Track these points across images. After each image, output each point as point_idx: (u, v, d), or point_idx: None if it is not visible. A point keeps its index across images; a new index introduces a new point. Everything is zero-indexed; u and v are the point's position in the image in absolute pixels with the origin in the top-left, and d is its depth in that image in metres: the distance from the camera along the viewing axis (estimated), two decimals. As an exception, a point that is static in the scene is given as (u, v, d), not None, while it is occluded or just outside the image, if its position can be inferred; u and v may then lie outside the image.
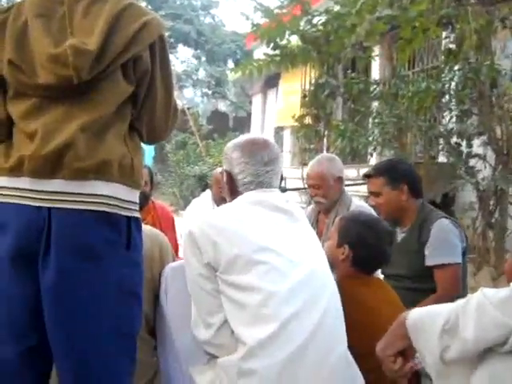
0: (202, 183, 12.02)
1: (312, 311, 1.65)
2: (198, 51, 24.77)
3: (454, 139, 5.68)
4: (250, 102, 16.87)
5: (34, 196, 1.52)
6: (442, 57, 6.08)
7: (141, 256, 1.64)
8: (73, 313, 1.52)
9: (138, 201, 1.65)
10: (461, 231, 2.62)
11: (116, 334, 1.56)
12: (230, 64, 24.54)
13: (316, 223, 3.24)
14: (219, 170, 4.31)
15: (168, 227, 3.88)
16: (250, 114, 16.72)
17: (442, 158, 6.27)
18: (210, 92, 23.53)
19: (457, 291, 2.45)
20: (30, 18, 1.58)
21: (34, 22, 1.57)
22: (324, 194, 3.07)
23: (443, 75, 5.75)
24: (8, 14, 1.62)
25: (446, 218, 2.62)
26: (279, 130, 13.01)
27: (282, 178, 1.96)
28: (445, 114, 5.91)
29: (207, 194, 4.50)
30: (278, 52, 7.09)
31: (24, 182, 1.53)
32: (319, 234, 3.14)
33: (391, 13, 5.77)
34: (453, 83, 5.63)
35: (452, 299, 2.09)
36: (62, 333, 1.53)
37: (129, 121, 1.65)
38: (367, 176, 2.78)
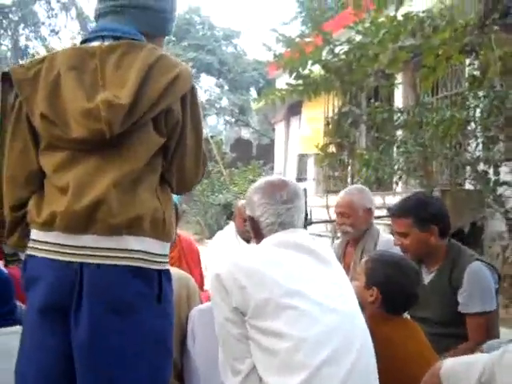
0: (227, 212, 12.04)
1: (344, 357, 1.62)
2: (221, 80, 25.08)
3: (481, 166, 5.61)
4: (273, 130, 16.95)
5: (66, 251, 1.53)
6: (466, 83, 6.05)
7: (171, 307, 1.64)
8: (106, 367, 1.51)
9: (168, 253, 1.65)
10: (493, 273, 2.51)
11: None
12: (253, 92, 24.78)
13: (343, 256, 3.20)
14: (242, 202, 4.32)
15: (193, 262, 3.87)
16: (273, 142, 16.78)
17: (468, 186, 6.20)
18: (233, 120, 23.73)
19: (489, 339, 2.33)
20: (62, 70, 1.59)
21: (67, 75, 1.58)
22: (352, 224, 3.04)
23: (468, 102, 5.71)
24: (41, 65, 1.63)
25: (478, 259, 2.51)
26: (303, 158, 13.01)
27: (306, 216, 1.95)
28: (470, 141, 5.85)
29: (231, 226, 4.49)
30: (300, 82, 7.14)
31: (56, 237, 1.53)
32: (346, 267, 3.11)
33: (414, 42, 5.79)
34: (478, 110, 5.58)
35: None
36: None
37: (159, 173, 1.65)
38: (393, 214, 2.64)
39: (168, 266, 1.64)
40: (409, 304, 2.10)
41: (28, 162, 1.62)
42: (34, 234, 1.58)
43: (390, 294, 2.02)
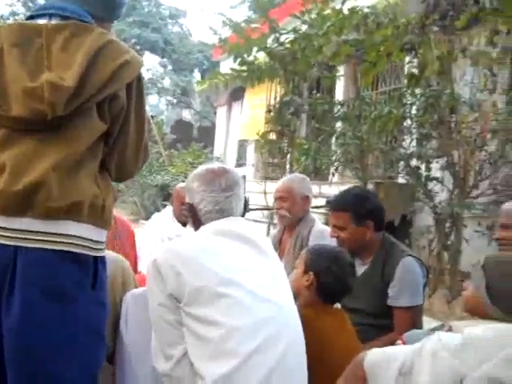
0: (164, 193, 11.92)
1: (274, 348, 1.65)
2: (165, 59, 24.66)
3: (414, 162, 5.81)
4: (215, 113, 16.88)
5: (2, 234, 1.49)
6: (405, 80, 6.23)
7: (106, 295, 1.64)
8: (36, 353, 1.49)
9: (105, 240, 1.64)
10: (423, 267, 2.62)
11: (81, 375, 1.55)
12: (197, 74, 24.53)
13: (279, 243, 3.28)
14: (181, 185, 4.32)
15: (129, 244, 3.84)
16: (214, 125, 16.72)
17: (401, 180, 6.41)
18: (174, 101, 23.44)
19: None
20: (5, 46, 1.54)
21: (10, 52, 1.53)
22: (289, 208, 3.14)
23: (405, 99, 5.89)
24: None
25: (410, 255, 2.61)
26: (243, 143, 13.05)
27: (245, 204, 1.98)
28: (405, 137, 6.05)
29: (168, 209, 4.48)
30: (244, 68, 7.16)
31: None
32: (281, 254, 3.19)
33: (357, 36, 5.91)
34: (414, 108, 5.77)
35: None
36: (23, 375, 1.50)
37: (100, 160, 1.63)
38: (331, 207, 2.72)
39: (104, 253, 1.64)
40: (342, 293, 2.18)
41: None
42: None
43: (325, 280, 2.10)
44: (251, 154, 12.06)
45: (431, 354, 1.20)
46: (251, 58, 7.15)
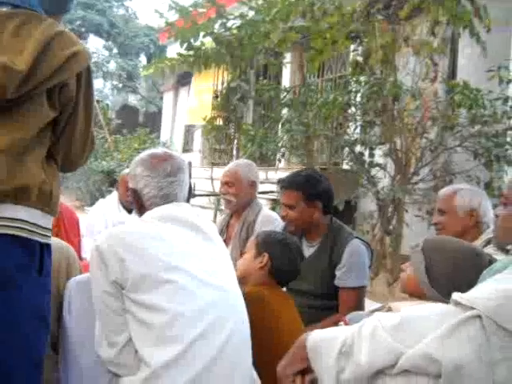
0: (110, 179, 11.74)
1: (218, 333, 1.67)
2: (110, 43, 24.08)
3: (358, 148, 5.93)
4: (162, 98, 16.67)
5: None
6: (350, 68, 6.33)
7: (50, 282, 1.63)
8: None
9: (51, 227, 1.64)
10: (368, 250, 2.71)
11: (25, 362, 1.54)
12: (143, 58, 24.10)
13: (226, 228, 3.30)
14: (126, 171, 4.27)
15: (73, 230, 3.78)
16: (160, 110, 16.51)
17: (345, 166, 6.53)
18: (120, 85, 22.99)
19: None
20: None
21: None
22: (235, 193, 3.17)
23: (350, 87, 5.99)
24: None
25: (357, 238, 2.69)
26: (190, 128, 12.96)
27: (190, 190, 1.98)
28: (350, 124, 6.16)
29: (113, 195, 4.42)
30: (191, 53, 7.08)
31: None
32: (228, 238, 3.21)
33: (304, 23, 5.94)
34: (358, 95, 5.88)
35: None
36: None
37: (47, 147, 1.64)
38: (283, 186, 2.77)
39: (50, 240, 1.63)
40: (292, 277, 2.25)
41: None
42: None
43: (279, 264, 2.18)
44: (198, 140, 12.01)
45: (370, 333, 1.24)
46: (198, 44, 7.07)
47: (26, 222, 1.53)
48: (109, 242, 1.70)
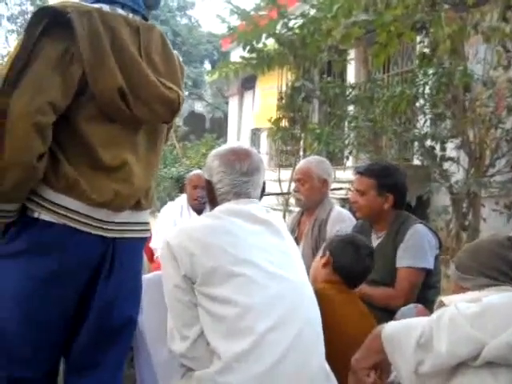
0: (179, 185, 11.96)
1: (289, 324, 1.64)
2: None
3: (428, 142, 5.75)
4: (227, 103, 16.85)
5: (106, 227, 1.61)
6: (417, 61, 6.15)
7: None
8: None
9: None
10: (435, 237, 2.63)
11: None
12: (207, 65, 24.46)
13: (298, 225, 3.27)
14: (194, 172, 4.32)
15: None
16: (226, 115, 16.69)
17: (416, 161, 6.35)
18: (186, 93, 23.40)
19: (410, 296, 2.46)
20: (120, 39, 1.54)
21: (129, 48, 1.55)
22: (306, 191, 3.13)
23: (417, 79, 5.82)
24: (91, 19, 1.50)
25: (422, 223, 2.64)
26: (256, 132, 13.02)
27: (263, 189, 1.94)
28: (419, 118, 5.98)
29: (182, 197, 4.48)
30: (254, 55, 7.11)
31: (101, 214, 1.59)
32: (299, 236, 3.18)
33: (367, 17, 5.83)
34: (427, 87, 5.70)
35: (401, 302, 2.23)
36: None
37: None
38: (358, 172, 2.75)
39: None
40: (359, 275, 2.21)
41: (63, 104, 1.49)
42: (78, 206, 1.55)
43: (340, 261, 2.16)
44: (264, 143, 12.04)
45: (449, 323, 1.18)
46: (260, 45, 7.09)
47: (148, 223, 1.78)
48: (178, 238, 1.72)
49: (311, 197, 3.14)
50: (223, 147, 1.93)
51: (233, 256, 1.67)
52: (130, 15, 1.62)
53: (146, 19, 1.69)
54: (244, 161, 1.83)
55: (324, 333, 1.75)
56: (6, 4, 21.70)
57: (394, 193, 2.64)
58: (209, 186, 1.88)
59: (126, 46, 1.53)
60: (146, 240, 1.81)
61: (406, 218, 2.68)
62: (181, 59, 1.82)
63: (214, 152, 1.92)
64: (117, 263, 1.63)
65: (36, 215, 1.53)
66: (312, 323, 1.73)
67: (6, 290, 1.54)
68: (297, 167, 3.27)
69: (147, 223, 1.77)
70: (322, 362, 1.72)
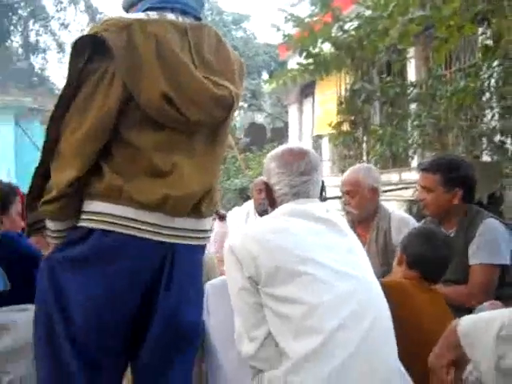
0: (244, 196, 12.04)
1: (359, 322, 1.61)
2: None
3: (498, 137, 5.52)
4: (287, 112, 16.85)
5: (164, 232, 1.61)
6: (480, 54, 5.94)
7: None
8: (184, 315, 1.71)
9: None
10: (509, 230, 2.50)
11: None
12: (265, 76, 24.59)
13: None
14: (260, 178, 4.33)
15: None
16: (287, 124, 16.68)
17: (485, 158, 6.11)
18: (246, 105, 23.58)
19: (485, 294, 2.34)
20: (167, 46, 1.54)
21: (175, 53, 1.55)
22: (357, 204, 2.96)
23: (481, 72, 5.61)
24: (130, 31, 1.51)
25: (493, 217, 2.53)
26: (318, 139, 12.94)
27: (322, 188, 1.92)
28: (486, 112, 5.76)
29: (249, 203, 4.52)
30: (311, 61, 7.08)
31: (156, 218, 1.59)
32: None
33: (424, 13, 5.69)
34: (492, 80, 5.48)
35: (478, 300, 2.10)
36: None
37: None
38: (423, 168, 2.64)
39: None
40: (437, 267, 2.12)
41: (108, 129, 1.54)
42: (131, 212, 1.56)
43: (413, 255, 2.09)
44: (326, 149, 11.94)
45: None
46: (317, 50, 7.05)
47: (209, 230, 1.77)
48: (241, 241, 1.72)
49: (364, 209, 2.97)
50: (280, 148, 1.92)
51: (296, 255, 1.66)
52: (180, 18, 1.62)
53: (199, 19, 1.68)
54: (301, 160, 1.83)
55: (397, 327, 1.70)
56: (70, 31, 22.68)
57: (462, 187, 2.52)
58: (267, 187, 1.88)
59: (170, 51, 1.53)
60: (205, 247, 1.80)
61: (476, 212, 2.56)
62: (239, 56, 1.80)
63: (270, 154, 1.92)
64: (176, 269, 1.62)
65: (90, 227, 1.57)
66: (382, 321, 1.68)
67: (76, 299, 1.57)
68: (343, 178, 3.09)
69: (208, 230, 1.74)
70: (395, 359, 1.66)
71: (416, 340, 1.75)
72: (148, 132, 1.56)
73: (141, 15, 1.59)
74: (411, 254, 2.08)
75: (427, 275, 2.10)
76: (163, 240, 1.59)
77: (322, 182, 1.91)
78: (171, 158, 1.56)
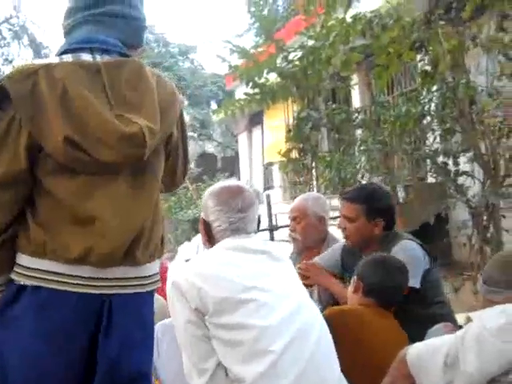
0: (196, 227, 11.97)
1: (307, 339, 1.69)
2: (180, 96, 24.91)
3: (441, 158, 5.70)
4: (237, 141, 16.97)
5: (95, 284, 1.51)
6: (419, 79, 6.15)
7: None
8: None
9: None
10: (424, 252, 2.46)
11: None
12: (213, 105, 24.72)
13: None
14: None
15: (164, 277, 3.85)
16: (237, 153, 16.78)
17: (430, 179, 6.29)
18: (195, 135, 23.62)
19: None
20: (71, 88, 1.47)
21: (79, 94, 1.47)
22: (302, 230, 2.96)
23: (422, 97, 5.81)
24: (35, 79, 1.47)
25: (410, 239, 2.52)
26: (268, 166, 13.06)
27: (259, 222, 1.97)
28: (428, 135, 5.95)
29: (198, 237, 4.48)
30: (257, 90, 7.17)
31: (87, 271, 1.50)
32: None
33: (364, 42, 5.87)
34: (432, 104, 5.68)
35: None
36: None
37: None
38: (345, 198, 2.63)
39: None
40: (391, 293, 2.15)
41: (21, 178, 1.48)
42: (60, 267, 1.49)
43: (369, 283, 2.14)
44: (277, 176, 12.06)
45: (475, 339, 1.13)
46: (263, 80, 7.16)
47: (156, 274, 1.64)
48: (184, 275, 1.74)
49: (309, 236, 2.97)
50: (217, 186, 1.97)
51: (241, 285, 1.71)
52: (98, 57, 1.56)
53: (125, 55, 1.62)
54: (238, 197, 1.87)
55: (353, 351, 1.79)
56: (14, 67, 22.28)
57: (384, 217, 2.52)
58: (205, 225, 1.91)
59: (77, 94, 1.47)
60: (155, 291, 1.70)
61: (393, 236, 2.55)
62: (174, 88, 1.72)
63: (208, 191, 1.96)
64: (116, 318, 1.54)
65: (22, 283, 1.51)
66: (326, 334, 1.78)
67: (12, 355, 1.50)
68: (292, 205, 3.09)
69: (152, 275, 1.62)
70: (339, 370, 1.74)
71: (368, 364, 1.78)
72: (63, 179, 1.49)
73: (52, 59, 1.55)
74: (368, 283, 2.12)
75: (383, 302, 2.13)
76: (97, 292, 1.51)
77: (259, 217, 1.96)
78: (91, 205, 1.48)
